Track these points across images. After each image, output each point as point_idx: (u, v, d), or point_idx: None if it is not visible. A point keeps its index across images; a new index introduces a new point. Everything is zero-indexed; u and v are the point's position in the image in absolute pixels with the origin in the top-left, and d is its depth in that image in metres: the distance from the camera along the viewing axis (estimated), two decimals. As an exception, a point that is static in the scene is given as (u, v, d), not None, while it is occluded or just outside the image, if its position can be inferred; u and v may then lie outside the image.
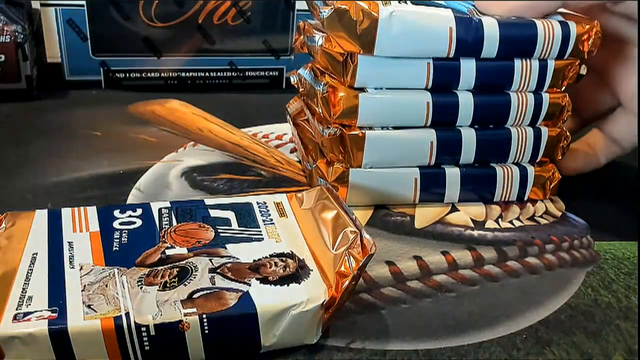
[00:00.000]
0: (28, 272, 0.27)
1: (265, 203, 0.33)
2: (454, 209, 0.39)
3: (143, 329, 0.24)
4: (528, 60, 0.36)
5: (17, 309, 0.24)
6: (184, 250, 0.29)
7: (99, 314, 0.24)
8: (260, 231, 0.31)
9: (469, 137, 0.37)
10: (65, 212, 0.31)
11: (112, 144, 0.45)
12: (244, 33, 0.54)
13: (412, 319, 0.30)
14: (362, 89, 0.35)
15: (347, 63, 0.35)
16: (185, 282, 0.27)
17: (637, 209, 0.41)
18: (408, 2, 0.35)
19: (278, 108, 0.50)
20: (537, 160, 0.39)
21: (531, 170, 0.39)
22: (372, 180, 0.37)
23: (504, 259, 0.35)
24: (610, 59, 0.40)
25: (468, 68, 0.36)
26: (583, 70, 0.38)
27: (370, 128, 0.36)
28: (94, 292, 0.26)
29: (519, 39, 0.36)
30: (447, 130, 0.37)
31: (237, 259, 0.28)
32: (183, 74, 0.55)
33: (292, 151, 0.45)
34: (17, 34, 0.49)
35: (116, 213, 0.31)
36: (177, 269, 0.27)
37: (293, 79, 0.43)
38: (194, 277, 0.27)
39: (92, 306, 0.25)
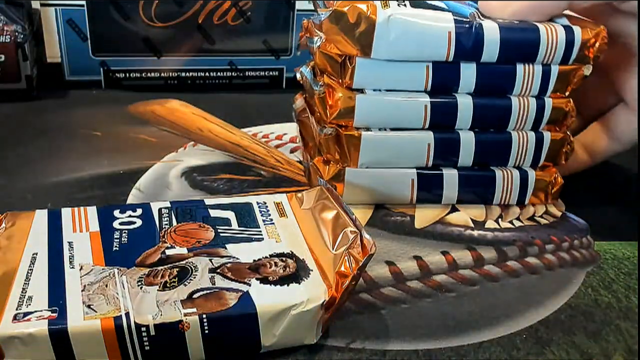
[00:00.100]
0: (28, 272, 0.27)
1: (265, 203, 0.33)
2: (454, 209, 0.39)
3: (143, 329, 0.24)
4: (530, 65, 0.36)
5: (17, 309, 0.24)
6: (184, 250, 0.29)
7: (99, 314, 0.24)
8: (260, 231, 0.31)
9: (467, 140, 0.37)
10: (65, 212, 0.31)
11: (112, 144, 0.45)
12: (244, 33, 0.54)
13: (412, 319, 0.30)
14: (360, 90, 0.35)
15: (345, 64, 0.35)
16: (185, 282, 0.27)
17: (637, 209, 0.41)
18: (407, 2, 0.35)
19: (278, 108, 0.50)
20: (540, 165, 0.39)
21: (532, 174, 0.39)
22: (368, 179, 0.37)
23: (504, 259, 0.35)
24: (615, 58, 0.40)
25: (468, 71, 0.36)
26: (587, 71, 0.38)
27: (368, 129, 0.36)
28: (94, 292, 0.26)
29: (520, 43, 0.35)
30: (445, 133, 0.37)
31: (237, 259, 0.28)
32: (183, 74, 0.55)
33: (292, 151, 0.45)
34: (17, 34, 0.49)
35: (116, 213, 0.31)
36: (177, 269, 0.27)
37: (298, 76, 0.42)
38: (194, 277, 0.27)
39: (92, 306, 0.25)
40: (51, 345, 0.24)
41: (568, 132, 0.39)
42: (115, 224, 0.30)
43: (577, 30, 0.35)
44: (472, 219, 0.38)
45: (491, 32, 0.35)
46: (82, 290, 0.26)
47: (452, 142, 0.37)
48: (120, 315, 0.24)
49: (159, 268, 0.27)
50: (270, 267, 0.28)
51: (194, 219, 0.31)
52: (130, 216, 0.31)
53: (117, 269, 0.27)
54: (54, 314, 0.24)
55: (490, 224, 0.38)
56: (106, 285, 0.26)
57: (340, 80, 0.35)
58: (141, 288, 0.26)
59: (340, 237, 0.29)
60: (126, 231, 0.30)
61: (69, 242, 0.29)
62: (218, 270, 0.27)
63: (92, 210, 0.31)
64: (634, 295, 0.33)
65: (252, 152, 0.45)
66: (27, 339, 0.23)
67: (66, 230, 0.30)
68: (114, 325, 0.24)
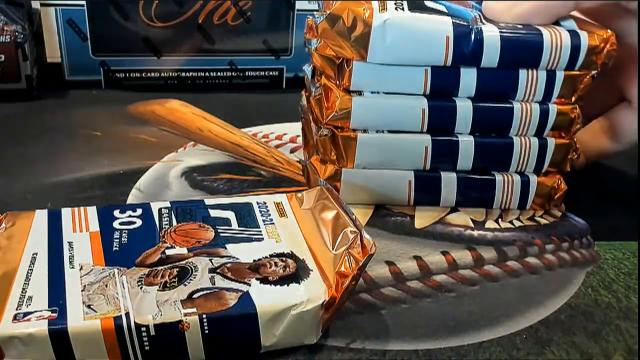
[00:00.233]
0: (28, 272, 0.27)
1: (265, 203, 0.33)
2: (454, 209, 0.39)
3: (143, 329, 0.24)
4: (534, 71, 0.35)
5: (17, 309, 0.24)
6: (184, 250, 0.29)
7: (99, 314, 0.24)
8: (260, 231, 0.31)
9: (466, 144, 0.37)
10: (65, 212, 0.31)
11: (112, 144, 0.45)
12: (244, 33, 0.54)
13: (412, 319, 0.30)
14: (358, 92, 0.35)
15: (342, 67, 0.35)
16: (185, 282, 0.27)
17: (637, 209, 0.40)
18: (405, 4, 0.34)
19: (278, 108, 0.50)
20: (543, 171, 0.38)
21: (534, 179, 0.38)
22: (365, 180, 0.37)
23: (504, 259, 0.35)
24: (621, 57, 0.39)
25: (468, 76, 0.35)
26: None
27: (365, 131, 0.36)
28: (94, 292, 0.26)
29: (522, 48, 0.34)
30: (443, 136, 0.36)
31: (237, 259, 0.28)
32: (183, 74, 0.55)
33: (292, 151, 0.45)
34: (17, 34, 0.49)
35: (116, 213, 0.31)
36: (177, 269, 0.27)
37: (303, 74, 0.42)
38: (194, 277, 0.27)
39: (92, 306, 0.25)
40: (51, 345, 0.24)
41: (574, 139, 0.38)
42: (115, 224, 0.30)
43: (583, 35, 0.34)
44: (472, 219, 0.38)
45: (491, 37, 0.34)
46: (82, 290, 0.26)
47: (450, 145, 0.37)
48: (120, 315, 0.24)
49: (159, 268, 0.27)
50: (270, 267, 0.28)
51: (194, 219, 0.31)
52: (130, 216, 0.31)
53: (117, 269, 0.27)
54: (54, 314, 0.24)
55: (490, 224, 0.38)
56: (106, 285, 0.26)
57: (337, 82, 0.35)
58: (141, 288, 0.26)
59: (340, 237, 0.29)
60: (126, 231, 0.30)
61: (69, 242, 0.29)
62: (218, 270, 0.27)
63: (92, 210, 0.31)
64: (634, 295, 0.33)
65: (252, 152, 0.45)
66: (27, 339, 0.23)
67: (66, 230, 0.30)
68: (114, 325, 0.24)
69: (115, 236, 0.29)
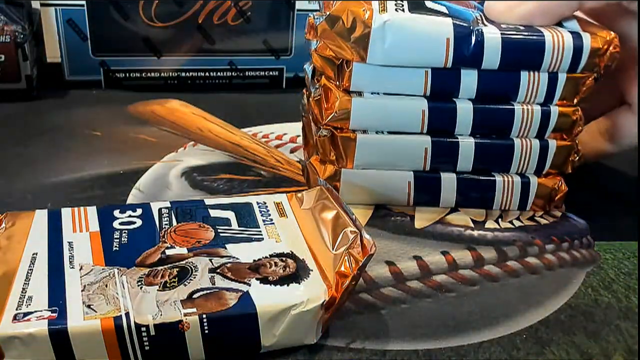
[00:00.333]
0: (28, 272, 0.27)
1: (265, 203, 0.33)
2: (454, 209, 0.39)
3: (143, 329, 0.24)
4: (535, 73, 0.35)
5: (17, 309, 0.24)
6: (184, 250, 0.29)
7: (99, 314, 0.24)
8: (260, 231, 0.31)
9: (466, 146, 0.36)
10: (65, 212, 0.31)
11: (112, 144, 0.45)
12: (244, 33, 0.54)
13: (412, 319, 0.30)
14: (358, 93, 0.35)
15: (342, 67, 0.34)
16: (185, 282, 0.27)
17: (637, 209, 0.40)
18: (405, 4, 0.34)
19: (278, 108, 0.50)
20: (544, 173, 0.38)
21: (534, 181, 0.38)
22: (364, 180, 0.37)
23: (504, 259, 0.35)
24: (622, 60, 0.39)
25: (469, 78, 0.35)
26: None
27: (364, 131, 0.36)
28: (94, 292, 0.26)
29: (523, 50, 0.34)
30: (443, 137, 0.36)
31: (237, 259, 0.28)
32: (183, 74, 0.55)
33: (292, 151, 0.45)
34: (17, 34, 0.49)
35: (116, 213, 0.31)
36: (177, 269, 0.27)
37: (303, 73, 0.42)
38: (194, 277, 0.27)
39: (92, 306, 0.25)
40: (51, 345, 0.24)
41: (576, 141, 0.37)
42: (115, 224, 0.30)
43: (585, 37, 0.34)
44: (472, 219, 0.38)
45: (492, 39, 0.34)
46: (82, 290, 0.26)
47: (450, 147, 0.37)
48: (120, 315, 0.24)
49: (159, 268, 0.27)
50: (270, 267, 0.28)
51: (194, 219, 0.31)
52: (130, 216, 0.31)
53: (117, 269, 0.27)
54: (54, 314, 0.24)
55: (490, 224, 0.38)
56: (106, 285, 0.26)
57: (337, 83, 0.35)
58: (141, 288, 0.26)
59: (340, 237, 0.29)
60: (126, 231, 0.30)
61: (69, 242, 0.29)
62: (218, 270, 0.27)
63: (92, 210, 0.31)
64: (634, 295, 0.33)
65: (252, 152, 0.45)
66: (27, 339, 0.23)
67: (66, 230, 0.30)
68: (114, 325, 0.24)
69: (115, 236, 0.29)
